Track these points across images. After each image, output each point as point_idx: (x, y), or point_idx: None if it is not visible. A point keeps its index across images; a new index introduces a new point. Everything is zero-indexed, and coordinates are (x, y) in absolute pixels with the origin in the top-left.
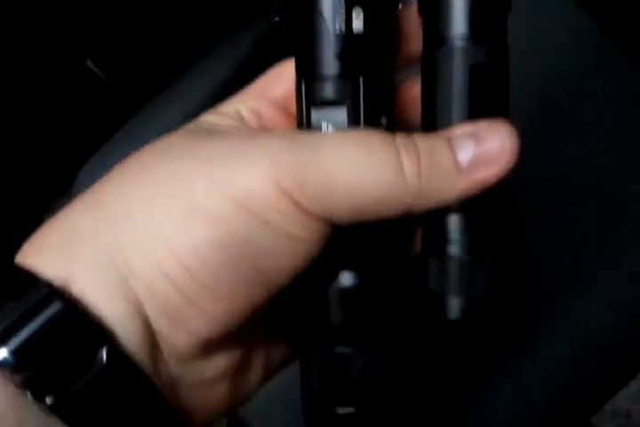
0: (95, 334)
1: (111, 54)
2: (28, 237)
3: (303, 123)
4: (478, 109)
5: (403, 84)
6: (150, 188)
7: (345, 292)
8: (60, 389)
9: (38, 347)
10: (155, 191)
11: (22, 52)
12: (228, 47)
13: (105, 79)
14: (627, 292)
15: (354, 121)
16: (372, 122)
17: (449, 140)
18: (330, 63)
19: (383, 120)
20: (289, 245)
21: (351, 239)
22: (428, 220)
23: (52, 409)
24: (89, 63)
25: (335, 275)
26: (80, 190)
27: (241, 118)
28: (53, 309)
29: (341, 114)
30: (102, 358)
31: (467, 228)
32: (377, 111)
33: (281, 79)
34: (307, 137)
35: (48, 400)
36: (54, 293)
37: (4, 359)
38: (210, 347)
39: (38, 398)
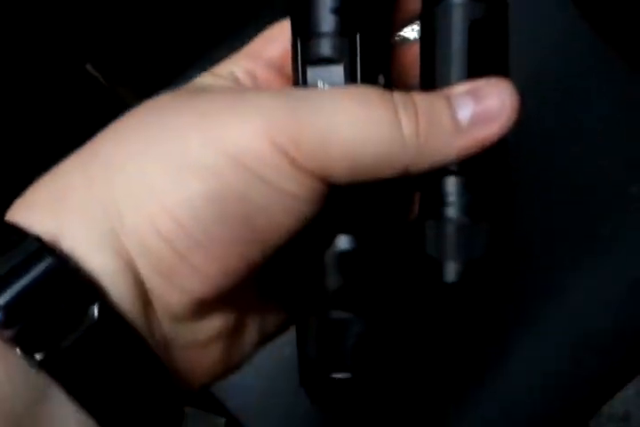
0: (86, 289)
1: (111, 58)
2: None
3: (299, 82)
4: (478, 67)
5: (401, 44)
6: (144, 143)
7: (342, 256)
8: (50, 345)
9: (28, 302)
10: (149, 146)
11: (22, 56)
12: (228, 51)
13: (104, 83)
14: (626, 292)
15: (351, 79)
16: (370, 80)
17: (448, 98)
18: (326, 19)
19: (381, 79)
20: (284, 203)
21: (349, 202)
22: (426, 182)
23: (42, 365)
24: (88, 67)
25: (332, 238)
26: None
27: (236, 79)
28: (44, 264)
29: (338, 72)
30: (94, 314)
31: (464, 190)
32: (374, 69)
33: (276, 40)
34: (302, 93)
35: (38, 356)
36: (44, 248)
37: None
38: (204, 308)
39: (28, 353)
